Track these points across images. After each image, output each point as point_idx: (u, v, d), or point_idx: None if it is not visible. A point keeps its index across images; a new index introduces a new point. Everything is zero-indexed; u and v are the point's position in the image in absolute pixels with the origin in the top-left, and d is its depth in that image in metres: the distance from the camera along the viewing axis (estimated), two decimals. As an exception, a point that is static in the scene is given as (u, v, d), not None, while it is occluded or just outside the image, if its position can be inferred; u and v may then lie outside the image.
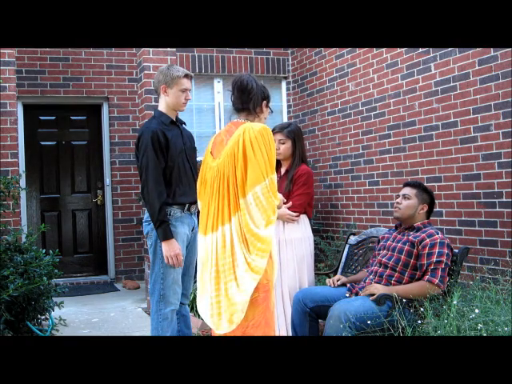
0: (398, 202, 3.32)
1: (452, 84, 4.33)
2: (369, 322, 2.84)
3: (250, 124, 2.56)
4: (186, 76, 3.15)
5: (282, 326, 3.54)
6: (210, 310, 2.49)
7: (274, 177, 2.48)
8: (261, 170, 2.43)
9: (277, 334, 3.50)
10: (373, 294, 3.04)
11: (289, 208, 3.62)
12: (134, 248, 6.48)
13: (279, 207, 2.81)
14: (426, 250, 3.10)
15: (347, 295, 3.27)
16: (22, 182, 5.34)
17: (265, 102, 2.68)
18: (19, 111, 6.07)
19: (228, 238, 2.47)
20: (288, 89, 6.76)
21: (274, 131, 3.75)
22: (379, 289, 3.06)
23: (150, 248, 3.13)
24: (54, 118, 6.48)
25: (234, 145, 2.52)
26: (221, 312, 2.46)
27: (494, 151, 3.98)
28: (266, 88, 2.73)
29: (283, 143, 3.71)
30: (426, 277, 3.06)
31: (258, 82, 2.66)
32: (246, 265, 2.42)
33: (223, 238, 2.48)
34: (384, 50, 5.06)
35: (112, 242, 6.49)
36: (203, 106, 6.52)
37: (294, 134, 3.73)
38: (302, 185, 3.66)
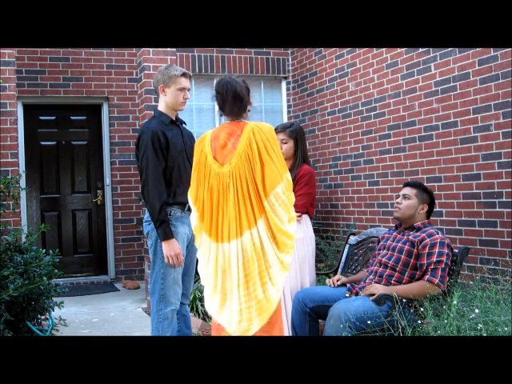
0: (398, 202, 3.32)
1: (452, 84, 4.33)
2: (369, 322, 2.84)
3: (254, 124, 2.58)
4: (184, 75, 3.15)
5: (284, 326, 3.54)
6: (239, 317, 2.48)
7: (289, 174, 2.56)
8: (278, 171, 2.50)
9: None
10: (373, 294, 3.04)
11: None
12: (134, 248, 6.48)
13: None
14: (426, 250, 3.10)
15: (347, 295, 3.27)
16: (22, 182, 5.34)
17: (249, 106, 2.71)
18: (19, 111, 6.06)
19: (257, 240, 2.47)
20: (288, 89, 6.76)
21: (277, 131, 3.74)
22: (379, 289, 3.06)
23: (151, 248, 3.13)
24: (53, 118, 6.48)
25: (246, 148, 2.52)
26: (252, 317, 2.46)
27: (494, 151, 3.98)
28: (245, 81, 2.73)
29: (285, 143, 3.71)
30: (426, 276, 3.05)
31: (240, 83, 2.65)
32: (279, 264, 2.48)
33: (252, 241, 2.47)
34: (384, 50, 5.06)
35: (112, 242, 6.49)
36: (203, 106, 6.52)
37: (296, 133, 3.73)
38: (304, 185, 3.66)
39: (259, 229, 2.47)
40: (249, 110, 2.70)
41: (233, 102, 2.62)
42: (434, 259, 3.06)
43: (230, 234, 2.50)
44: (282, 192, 2.48)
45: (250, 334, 2.48)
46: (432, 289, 2.99)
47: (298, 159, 3.72)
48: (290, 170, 3.72)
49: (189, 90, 3.21)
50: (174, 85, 3.13)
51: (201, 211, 2.63)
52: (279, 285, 2.49)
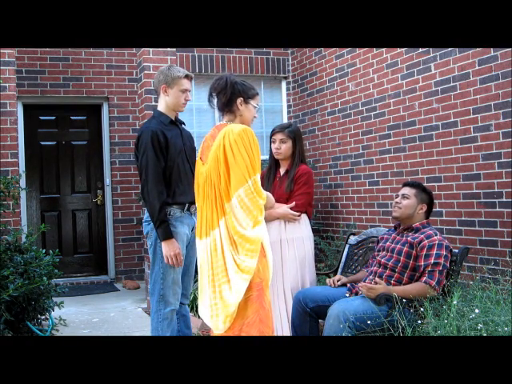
0: (397, 202, 3.32)
1: (452, 84, 4.33)
2: (369, 322, 2.83)
3: (230, 126, 2.59)
4: (187, 77, 3.16)
5: (284, 325, 3.54)
6: (210, 312, 2.56)
7: (258, 177, 2.52)
8: (242, 173, 2.48)
9: (279, 334, 3.51)
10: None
11: (291, 208, 3.62)
12: (134, 248, 6.48)
13: (270, 207, 2.83)
14: (424, 252, 3.09)
15: (347, 295, 3.27)
16: (22, 182, 5.34)
17: (241, 99, 2.67)
18: (19, 111, 6.06)
19: (218, 241, 2.54)
20: (288, 89, 6.76)
21: (275, 131, 3.75)
22: (378, 288, 3.03)
23: (150, 248, 3.13)
24: (53, 118, 6.48)
25: (216, 149, 2.57)
26: (218, 314, 2.52)
27: (494, 151, 3.98)
28: (248, 86, 2.72)
29: (284, 142, 3.71)
30: (424, 278, 3.04)
31: (229, 79, 2.66)
32: (235, 266, 2.48)
33: (214, 242, 2.55)
34: (384, 50, 5.06)
35: (112, 242, 6.49)
36: (203, 106, 6.51)
37: (294, 133, 3.73)
38: (303, 184, 3.66)
39: (220, 230, 2.53)
40: (241, 103, 2.67)
41: (216, 95, 2.70)
42: (432, 261, 3.05)
43: (201, 232, 2.64)
44: (244, 194, 2.47)
45: (220, 332, 2.52)
46: (429, 290, 2.98)
47: (296, 159, 3.73)
48: (288, 170, 3.73)
49: (190, 91, 3.22)
50: (177, 86, 3.13)
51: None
52: (237, 287, 2.45)
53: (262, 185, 3.69)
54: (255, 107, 2.75)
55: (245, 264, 2.45)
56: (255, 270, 2.49)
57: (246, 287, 2.46)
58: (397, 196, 3.37)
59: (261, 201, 2.51)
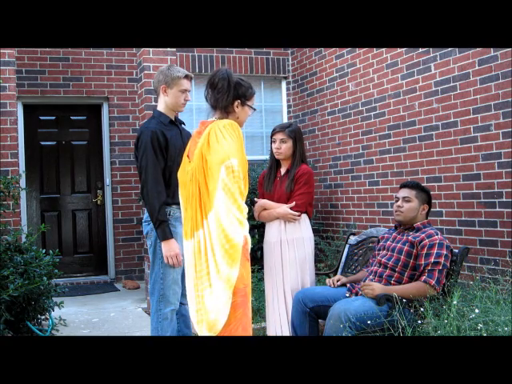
0: (398, 206, 3.27)
1: (452, 84, 4.33)
2: (369, 322, 2.83)
3: (216, 122, 2.50)
4: (186, 77, 3.16)
5: (284, 326, 3.54)
6: (196, 317, 2.46)
7: (234, 160, 2.38)
8: (225, 151, 2.37)
9: (279, 334, 3.51)
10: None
11: (291, 208, 3.62)
12: (134, 248, 6.48)
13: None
14: (425, 251, 3.09)
15: (347, 295, 3.27)
16: (22, 182, 5.34)
17: (238, 101, 2.59)
18: (19, 111, 6.06)
19: (202, 243, 2.41)
20: (288, 89, 6.76)
21: (275, 131, 3.74)
22: (375, 289, 3.03)
23: (150, 248, 3.13)
24: (53, 118, 6.48)
25: (201, 147, 2.47)
26: (203, 319, 2.42)
27: (494, 151, 3.98)
28: (247, 86, 2.64)
29: (284, 142, 3.71)
30: (423, 277, 3.04)
31: (231, 79, 2.56)
32: (217, 272, 2.35)
33: (198, 244, 2.42)
34: (384, 50, 5.06)
35: (112, 242, 6.49)
36: (203, 106, 6.51)
37: (294, 133, 3.73)
38: (303, 184, 3.66)
39: (205, 231, 2.40)
40: (238, 106, 2.59)
41: (210, 91, 2.59)
42: (432, 260, 3.05)
43: (186, 233, 2.52)
44: (225, 174, 2.34)
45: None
46: (428, 290, 2.98)
47: (297, 159, 3.72)
48: (288, 170, 3.73)
49: (189, 91, 3.22)
50: (176, 86, 3.13)
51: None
52: (217, 293, 2.34)
53: (263, 185, 3.72)
54: (251, 108, 2.67)
55: (225, 274, 2.34)
56: (238, 276, 2.37)
57: (227, 297, 2.35)
58: (397, 199, 3.32)
59: (237, 186, 2.37)
